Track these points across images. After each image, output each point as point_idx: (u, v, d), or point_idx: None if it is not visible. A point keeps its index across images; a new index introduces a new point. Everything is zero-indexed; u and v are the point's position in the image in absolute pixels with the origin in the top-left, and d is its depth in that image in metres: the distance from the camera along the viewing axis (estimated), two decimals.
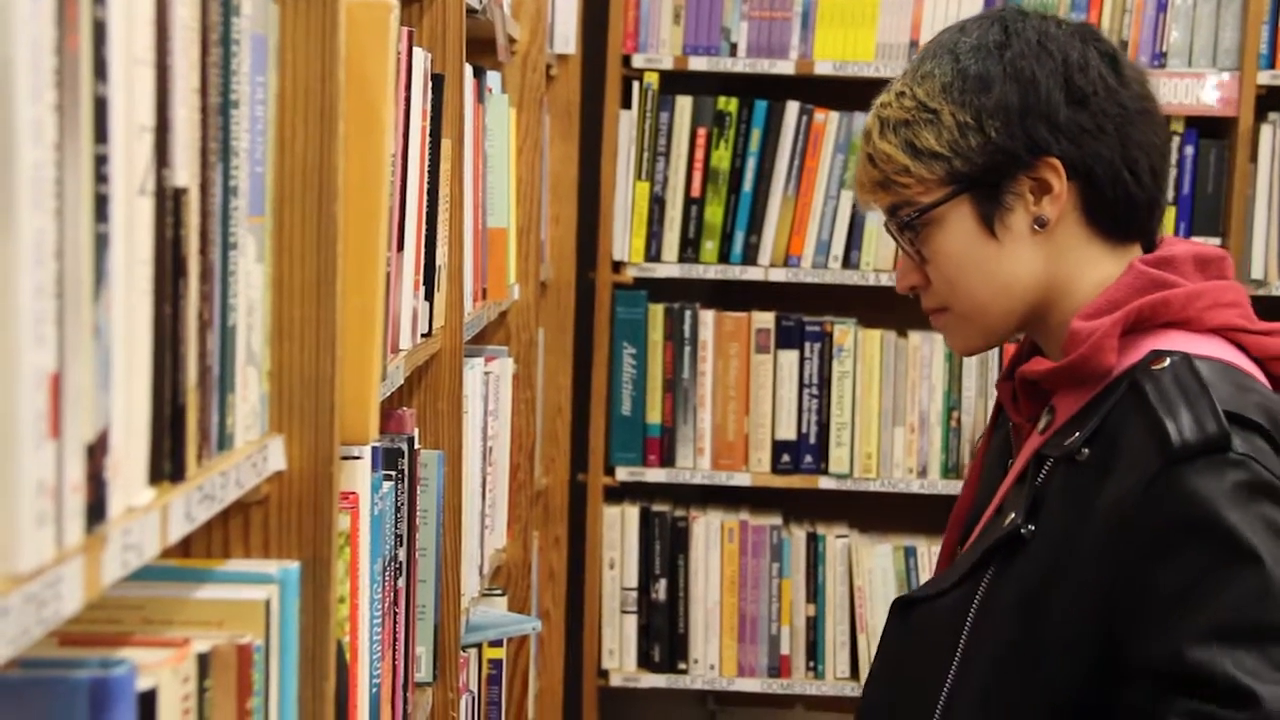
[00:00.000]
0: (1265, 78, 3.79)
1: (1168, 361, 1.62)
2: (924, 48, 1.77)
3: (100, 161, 0.98)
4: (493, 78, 2.75)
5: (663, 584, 3.95)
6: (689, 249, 3.92)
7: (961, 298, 1.73)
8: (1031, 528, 1.64)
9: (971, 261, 1.71)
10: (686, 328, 3.92)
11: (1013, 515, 1.66)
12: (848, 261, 3.90)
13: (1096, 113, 1.69)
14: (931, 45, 1.76)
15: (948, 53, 1.72)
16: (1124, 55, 1.74)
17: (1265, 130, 3.78)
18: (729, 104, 3.89)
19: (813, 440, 3.91)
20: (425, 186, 2.03)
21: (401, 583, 1.90)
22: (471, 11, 2.33)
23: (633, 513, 3.96)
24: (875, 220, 3.87)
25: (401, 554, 1.90)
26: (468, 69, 2.29)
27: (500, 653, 2.73)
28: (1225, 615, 1.52)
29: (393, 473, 1.86)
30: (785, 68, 3.85)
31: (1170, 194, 3.81)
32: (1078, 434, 1.63)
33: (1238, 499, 1.54)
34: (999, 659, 1.65)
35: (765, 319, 3.92)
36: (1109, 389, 1.65)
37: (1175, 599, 1.54)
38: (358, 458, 1.56)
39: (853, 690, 3.87)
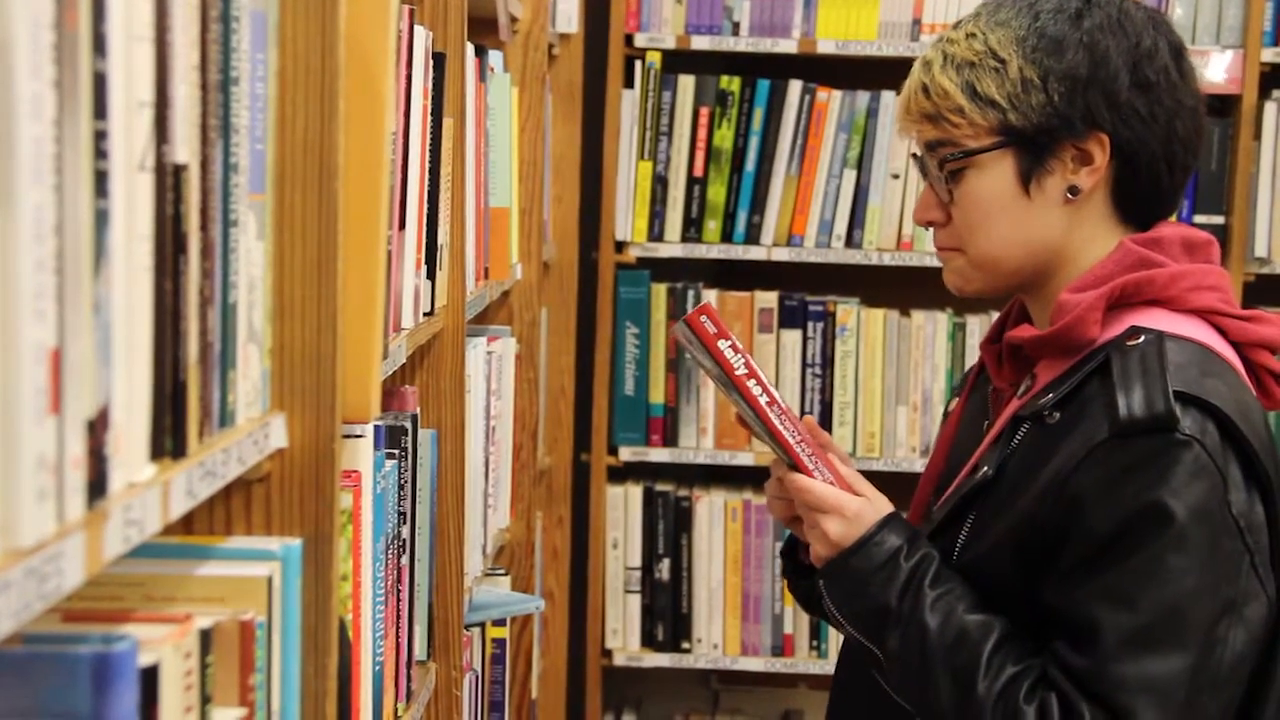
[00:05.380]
0: (1269, 55, 3.78)
1: (1141, 338, 1.67)
2: None
3: (100, 137, 0.98)
4: (495, 57, 2.75)
5: (666, 563, 3.95)
6: (692, 229, 3.91)
7: (979, 244, 1.77)
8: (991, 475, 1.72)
9: (999, 213, 1.75)
10: (689, 307, 3.91)
11: (985, 469, 1.72)
12: (850, 241, 3.90)
13: (1154, 101, 1.73)
14: None
15: (1027, 8, 1.75)
16: (1187, 49, 1.78)
17: (1269, 108, 3.77)
18: (732, 83, 3.88)
19: (816, 420, 3.91)
20: (427, 165, 2.03)
21: (405, 561, 1.90)
22: None
23: (636, 492, 3.96)
24: (878, 199, 3.87)
25: (405, 532, 1.90)
26: (469, 47, 2.29)
27: (504, 632, 2.73)
28: (1118, 580, 1.60)
29: (395, 451, 1.86)
30: (788, 47, 3.84)
31: None
32: (1050, 396, 1.69)
33: (1167, 476, 1.60)
34: (989, 598, 1.70)
35: (768, 299, 3.92)
36: (1087, 359, 1.70)
37: (1084, 555, 1.62)
38: (360, 436, 1.57)
39: None
